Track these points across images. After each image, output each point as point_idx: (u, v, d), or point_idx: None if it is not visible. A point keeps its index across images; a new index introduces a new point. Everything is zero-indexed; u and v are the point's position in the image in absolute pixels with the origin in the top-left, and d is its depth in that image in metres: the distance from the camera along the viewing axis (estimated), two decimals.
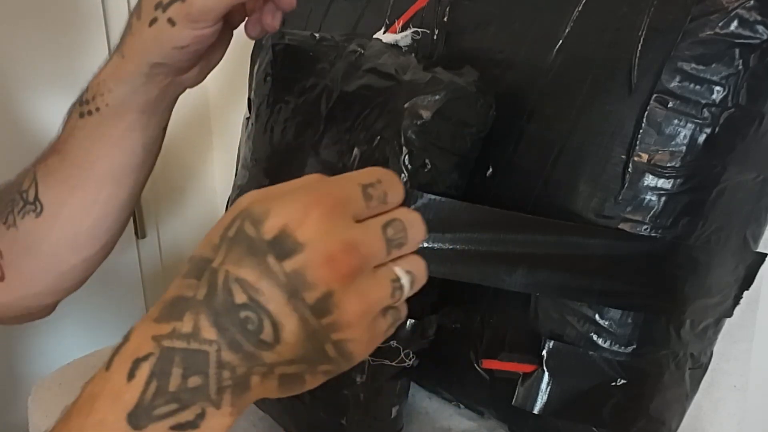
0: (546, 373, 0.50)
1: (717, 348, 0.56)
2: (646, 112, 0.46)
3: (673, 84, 0.45)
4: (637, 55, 0.46)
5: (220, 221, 0.32)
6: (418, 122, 0.45)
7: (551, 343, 0.50)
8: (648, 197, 0.47)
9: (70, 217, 0.56)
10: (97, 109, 0.52)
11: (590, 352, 0.49)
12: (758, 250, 0.53)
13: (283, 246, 0.30)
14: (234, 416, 0.31)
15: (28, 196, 0.56)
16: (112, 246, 0.60)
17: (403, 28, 0.54)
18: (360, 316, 0.31)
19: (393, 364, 0.49)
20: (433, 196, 0.46)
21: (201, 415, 0.30)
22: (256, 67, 0.62)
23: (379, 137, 0.47)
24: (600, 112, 0.47)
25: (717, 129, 0.45)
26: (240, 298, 0.30)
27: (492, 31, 0.53)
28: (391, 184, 0.33)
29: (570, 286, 0.49)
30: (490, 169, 0.52)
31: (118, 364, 0.30)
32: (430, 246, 0.47)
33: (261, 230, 0.30)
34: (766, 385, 0.76)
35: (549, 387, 0.50)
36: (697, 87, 0.45)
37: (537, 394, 0.50)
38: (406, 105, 0.46)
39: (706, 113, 0.45)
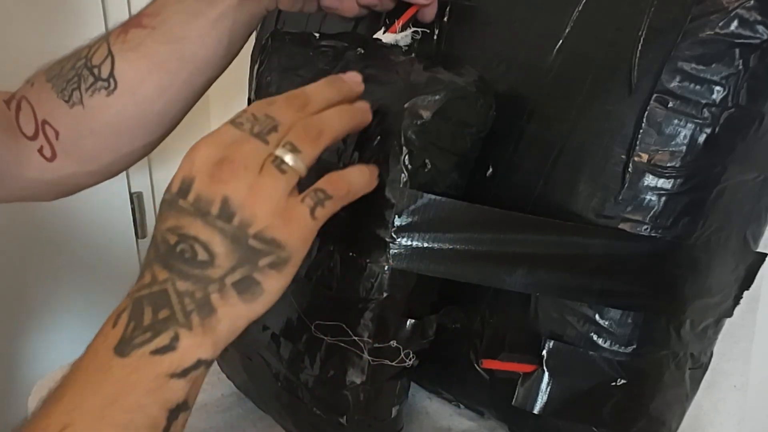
0: (546, 373, 0.50)
1: (717, 348, 0.56)
2: (646, 112, 0.46)
3: (674, 84, 0.45)
4: (637, 55, 0.46)
5: None
6: (418, 122, 0.45)
7: (551, 343, 0.50)
8: (648, 197, 0.47)
9: (144, 98, 0.56)
10: None
11: (590, 352, 0.49)
12: (758, 250, 0.53)
13: (182, 188, 0.37)
14: (208, 336, 0.36)
15: (101, 72, 0.55)
16: (166, 135, 0.60)
17: (403, 28, 0.54)
18: (260, 204, 0.37)
19: (393, 364, 0.49)
20: (433, 196, 0.46)
21: (175, 338, 0.35)
22: (256, 67, 0.62)
23: (378, 137, 0.47)
24: (600, 112, 0.47)
25: (717, 129, 0.45)
26: (172, 239, 0.37)
27: (492, 31, 0.53)
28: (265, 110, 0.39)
29: (570, 286, 0.49)
30: (490, 169, 0.52)
31: (106, 322, 0.37)
32: (430, 246, 0.47)
33: (170, 188, 0.38)
34: (766, 385, 0.76)
35: (549, 387, 0.50)
36: (697, 87, 0.45)
37: (537, 394, 0.50)
38: (406, 105, 0.46)
39: (706, 113, 0.45)
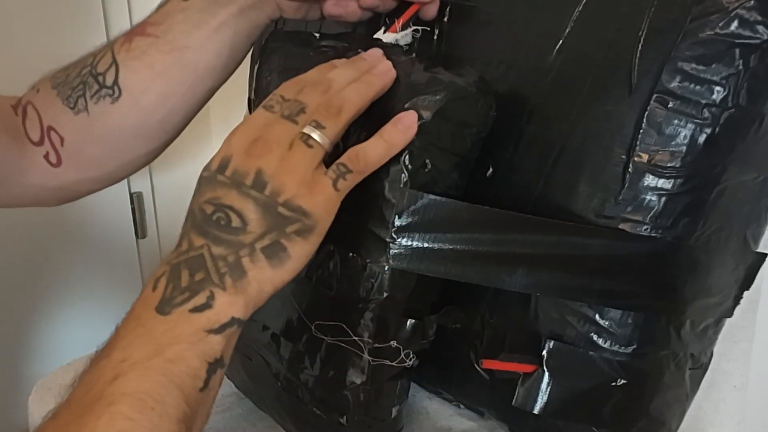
0: (546, 374, 0.50)
1: (717, 348, 0.56)
2: (647, 113, 0.46)
3: (674, 84, 0.45)
4: (637, 55, 0.46)
5: None
6: (419, 122, 0.45)
7: (551, 344, 0.50)
8: (648, 197, 0.47)
9: (147, 105, 0.57)
10: None
11: (590, 353, 0.49)
12: (758, 250, 0.53)
13: (221, 165, 0.41)
14: (240, 296, 0.39)
15: (105, 80, 0.56)
16: (169, 143, 0.61)
17: (403, 28, 0.54)
18: (289, 175, 0.40)
19: (393, 364, 0.49)
20: (433, 196, 0.46)
21: (211, 297, 0.39)
22: (256, 67, 0.62)
23: None
24: (600, 113, 0.47)
25: (717, 129, 0.45)
26: (209, 209, 0.41)
27: (492, 31, 0.53)
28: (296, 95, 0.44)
29: (570, 287, 0.49)
30: (490, 169, 0.52)
31: (145, 286, 0.40)
32: (430, 246, 0.47)
33: (210, 166, 0.42)
34: (766, 385, 0.76)
35: (549, 387, 0.50)
36: (698, 87, 0.45)
37: (537, 395, 0.50)
38: (406, 105, 0.46)
39: (706, 113, 0.45)
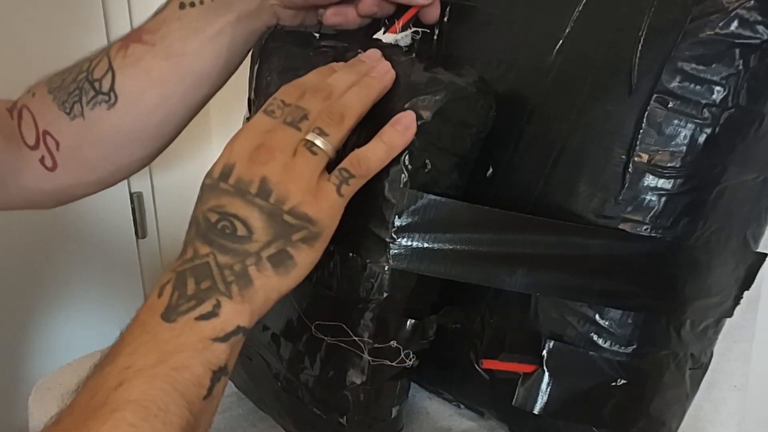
0: (546, 374, 0.50)
1: (717, 348, 0.56)
2: (647, 113, 0.46)
3: (674, 84, 0.45)
4: (637, 55, 0.46)
5: None
6: (419, 122, 0.45)
7: (551, 344, 0.50)
8: (648, 197, 0.47)
9: (143, 112, 0.57)
10: (201, 2, 0.55)
11: (590, 353, 0.49)
12: (758, 250, 0.53)
13: (224, 172, 0.41)
14: (247, 305, 0.40)
15: (102, 86, 0.57)
16: (165, 147, 0.62)
17: (404, 28, 0.54)
18: (294, 182, 0.40)
19: (393, 364, 0.49)
20: (433, 197, 0.46)
21: (217, 305, 0.39)
22: (256, 67, 0.62)
23: None
24: (600, 113, 0.47)
25: (717, 129, 0.45)
26: (213, 217, 0.41)
27: (492, 31, 0.53)
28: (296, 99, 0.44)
29: (570, 287, 0.49)
30: (490, 169, 0.52)
31: (150, 293, 0.40)
32: (430, 246, 0.47)
33: (212, 174, 0.42)
34: (766, 385, 0.76)
35: (549, 387, 0.50)
36: (698, 87, 0.45)
37: (537, 395, 0.50)
38: (406, 105, 0.46)
39: (706, 113, 0.45)
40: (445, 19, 0.56)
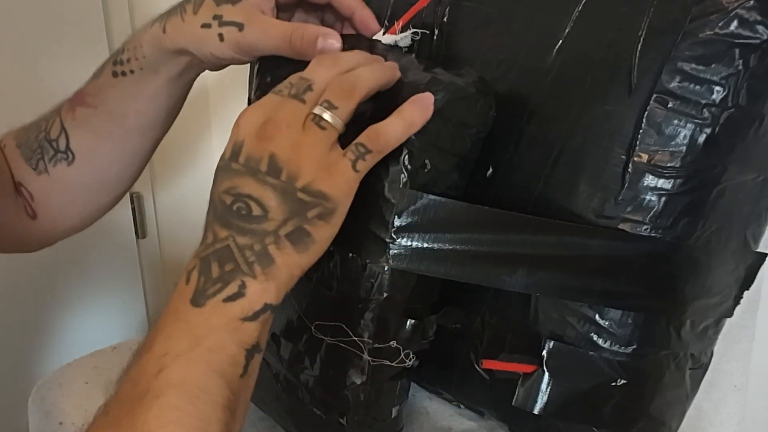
0: (546, 374, 0.50)
1: (717, 348, 0.56)
2: (646, 113, 0.46)
3: (673, 84, 0.45)
4: (637, 55, 0.46)
5: None
6: None
7: (551, 344, 0.50)
8: (648, 197, 0.47)
9: (101, 165, 0.60)
10: (131, 72, 0.56)
11: (590, 353, 0.49)
12: (758, 250, 0.53)
13: (234, 152, 0.41)
14: (271, 283, 0.40)
15: (59, 146, 0.59)
16: (131, 186, 0.65)
17: (403, 29, 0.54)
18: (304, 159, 0.40)
19: (393, 364, 0.49)
20: (432, 197, 0.46)
21: (243, 286, 0.40)
22: (256, 66, 0.62)
23: None
24: (600, 113, 0.47)
25: (717, 129, 0.45)
26: (228, 199, 0.41)
27: (492, 31, 0.53)
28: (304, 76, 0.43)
29: (570, 287, 0.49)
30: (490, 170, 0.52)
31: (179, 280, 0.41)
32: (430, 246, 0.47)
33: (223, 156, 0.42)
34: (766, 385, 0.76)
35: (549, 387, 0.50)
36: (697, 87, 0.45)
37: (537, 395, 0.50)
38: None
39: (706, 113, 0.45)
40: (445, 19, 0.56)
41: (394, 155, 0.45)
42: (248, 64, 0.72)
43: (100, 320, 1.21)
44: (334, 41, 0.48)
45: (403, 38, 0.54)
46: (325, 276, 0.50)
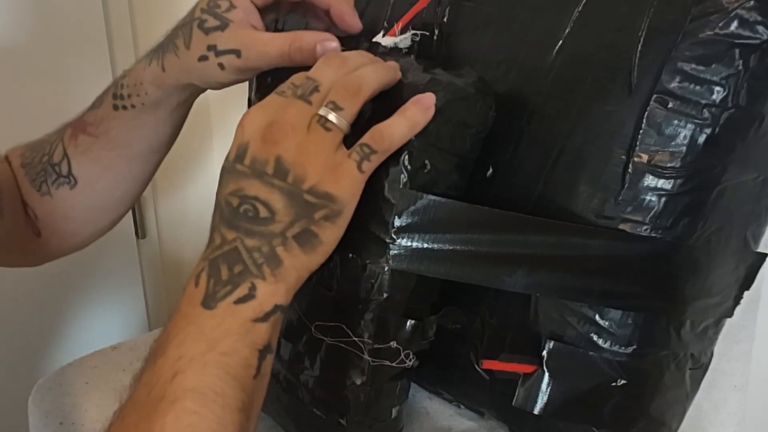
0: (546, 374, 0.50)
1: (717, 348, 0.56)
2: (646, 113, 0.46)
3: (674, 84, 0.45)
4: (637, 55, 0.46)
5: None
6: None
7: (551, 344, 0.50)
8: (648, 198, 0.47)
9: (103, 190, 0.61)
10: (133, 106, 0.56)
11: (590, 353, 0.49)
12: (758, 250, 0.53)
13: (239, 153, 0.41)
14: (281, 284, 0.41)
15: (61, 170, 0.60)
16: (132, 205, 0.67)
17: (403, 31, 0.54)
18: (310, 161, 0.40)
19: (393, 364, 0.49)
20: (432, 197, 0.46)
21: (253, 288, 0.40)
22: None
23: None
24: (600, 113, 0.47)
25: (717, 129, 0.45)
26: (235, 201, 0.41)
27: (492, 31, 0.53)
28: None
29: (570, 287, 0.49)
30: (490, 170, 0.52)
31: (187, 284, 0.41)
32: (430, 246, 0.47)
33: (228, 157, 0.42)
34: (766, 385, 0.76)
35: (549, 387, 0.50)
36: (698, 87, 0.45)
37: (537, 395, 0.50)
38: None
39: (706, 114, 0.45)
40: (445, 19, 0.56)
41: (394, 155, 0.45)
42: None
43: (100, 320, 1.21)
44: (334, 46, 0.48)
45: (403, 40, 0.54)
46: (325, 276, 0.50)
